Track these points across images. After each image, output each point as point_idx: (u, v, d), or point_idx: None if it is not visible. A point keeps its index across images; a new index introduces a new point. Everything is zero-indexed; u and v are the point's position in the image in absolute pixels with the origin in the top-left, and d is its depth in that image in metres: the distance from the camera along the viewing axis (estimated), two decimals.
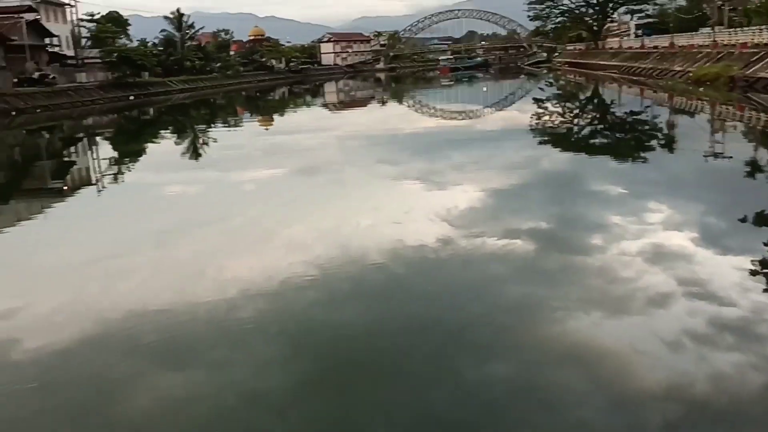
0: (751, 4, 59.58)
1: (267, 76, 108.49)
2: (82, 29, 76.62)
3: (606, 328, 6.99)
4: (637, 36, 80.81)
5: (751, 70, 34.06)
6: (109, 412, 5.93)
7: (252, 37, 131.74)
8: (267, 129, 37.45)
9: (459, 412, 5.53)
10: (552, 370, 6.15)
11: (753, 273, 8.27)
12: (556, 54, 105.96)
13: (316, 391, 6.06)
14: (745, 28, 47.87)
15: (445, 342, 6.84)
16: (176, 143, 31.79)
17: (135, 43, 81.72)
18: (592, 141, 24.22)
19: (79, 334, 7.56)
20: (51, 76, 58.81)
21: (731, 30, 50.34)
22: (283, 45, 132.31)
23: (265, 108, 57.50)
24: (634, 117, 30.21)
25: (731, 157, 17.25)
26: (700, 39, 52.04)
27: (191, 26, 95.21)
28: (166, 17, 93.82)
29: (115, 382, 6.44)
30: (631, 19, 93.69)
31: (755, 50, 37.87)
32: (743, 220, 10.76)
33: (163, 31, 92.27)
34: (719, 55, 41.11)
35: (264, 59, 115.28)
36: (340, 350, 6.89)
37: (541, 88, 58.65)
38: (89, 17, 77.93)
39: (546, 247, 9.95)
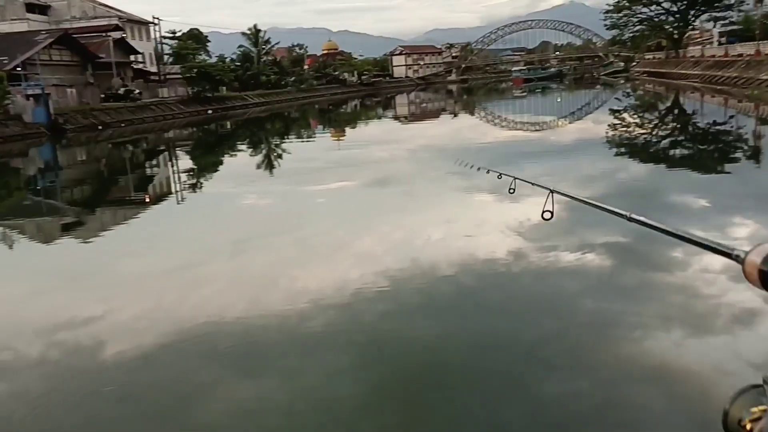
0: None
1: (339, 89, 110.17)
2: (164, 46, 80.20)
3: (687, 347, 6.70)
4: (720, 44, 77.68)
5: None
6: (184, 417, 6.11)
7: (325, 51, 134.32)
8: (339, 141, 37.98)
9: (530, 430, 5.41)
10: (630, 389, 5.93)
11: None
12: (634, 63, 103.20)
13: (385, 403, 6.06)
14: None
15: (517, 358, 6.72)
16: (252, 156, 32.67)
17: (214, 59, 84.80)
18: (671, 152, 23.40)
19: (158, 340, 7.84)
20: (136, 92, 61.69)
21: None
22: (355, 58, 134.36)
23: (338, 121, 58.36)
24: (718, 127, 29.01)
25: None
26: None
27: (267, 41, 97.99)
28: (243, 33, 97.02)
29: (191, 388, 6.64)
30: (714, 27, 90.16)
31: None
32: None
33: (240, 46, 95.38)
34: None
35: (337, 72, 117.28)
36: (409, 363, 6.88)
37: (617, 99, 57.17)
38: (171, 35, 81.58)
39: (624, 261, 9.65)
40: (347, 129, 46.90)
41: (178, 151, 36.24)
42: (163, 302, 9.40)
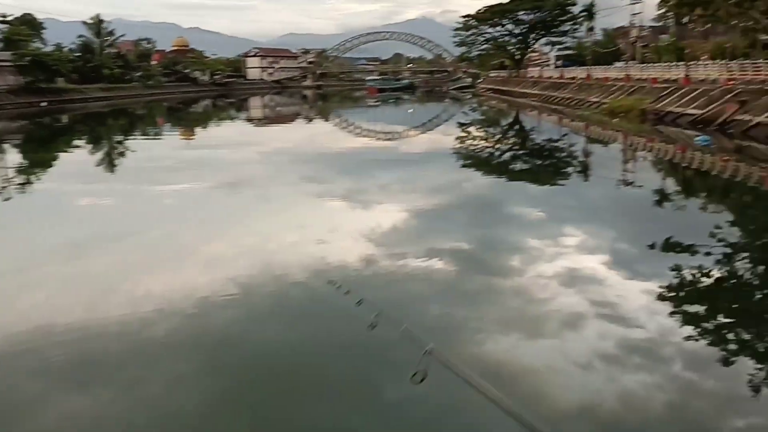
0: (661, 42, 63.30)
1: (190, 88, 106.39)
2: None
3: (521, 348, 7.15)
4: (556, 66, 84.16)
5: (661, 104, 36.02)
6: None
7: (175, 48, 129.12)
8: (189, 141, 36.62)
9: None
10: (467, 392, 6.22)
11: (659, 297, 8.68)
12: (480, 80, 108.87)
13: (232, 411, 5.91)
14: (656, 64, 50.72)
15: (365, 364, 6.81)
16: (91, 153, 30.62)
17: (50, 47, 78.62)
18: (512, 166, 24.94)
19: None
20: None
21: (643, 65, 53.25)
22: (207, 57, 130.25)
23: (187, 120, 56.26)
24: (553, 144, 31.33)
25: (642, 185, 18.12)
26: (615, 72, 54.74)
27: (111, 33, 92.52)
28: (84, 22, 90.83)
29: (17, 404, 6.08)
30: (551, 50, 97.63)
31: (665, 85, 40.21)
32: (652, 246, 11.30)
33: (80, 36, 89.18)
34: (632, 89, 43.29)
35: (187, 71, 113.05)
36: (257, 369, 6.76)
37: (464, 113, 60.00)
38: (1, 18, 74.45)
39: (465, 268, 10.12)
40: (198, 129, 45.31)
41: (5, 145, 33.16)
42: None
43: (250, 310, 8.36)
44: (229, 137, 38.27)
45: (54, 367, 6.74)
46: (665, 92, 37.89)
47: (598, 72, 58.17)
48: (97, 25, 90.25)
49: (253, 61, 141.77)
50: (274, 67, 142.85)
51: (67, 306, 8.53)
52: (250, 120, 57.51)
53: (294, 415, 5.84)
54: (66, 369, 6.71)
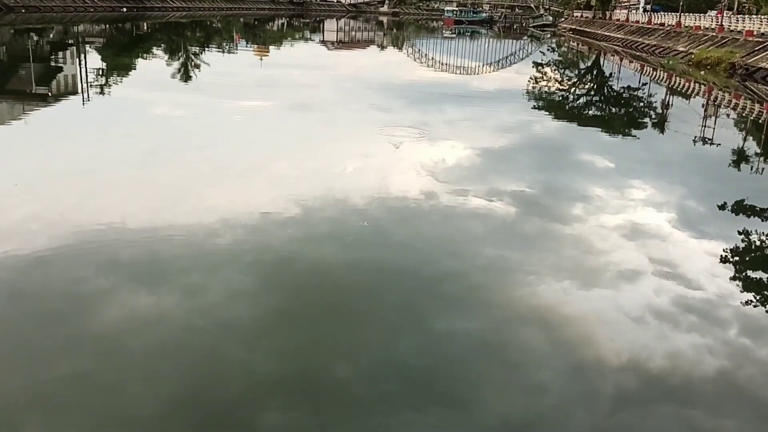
0: None
1: (267, 5, 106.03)
2: None
3: (574, 297, 7.14)
4: (645, 10, 79.77)
5: (753, 59, 33.90)
6: (78, 320, 6.01)
7: None
8: (263, 60, 36.79)
9: (420, 360, 5.67)
10: (517, 331, 6.30)
11: (722, 259, 8.45)
12: (563, 19, 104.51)
13: (284, 325, 6.17)
14: (754, 16, 47.44)
15: (417, 292, 6.96)
16: (168, 63, 31.17)
17: None
18: (585, 111, 24.20)
19: (53, 243, 7.57)
20: None
21: (740, 16, 49.89)
22: None
23: (263, 37, 56.35)
24: (631, 93, 30.13)
25: (719, 144, 17.35)
26: (708, 21, 51.52)
27: None
28: None
29: (87, 293, 6.50)
30: None
31: (760, 39, 37.64)
32: (722, 207, 10.92)
33: None
34: (724, 40, 40.79)
35: None
36: (312, 289, 6.99)
37: (542, 52, 58.01)
38: None
39: (527, 212, 10.04)
40: (273, 47, 45.40)
41: (88, 47, 34.05)
42: (62, 205, 9.03)
43: (309, 230, 8.56)
44: (302, 58, 38.28)
45: (122, 265, 7.13)
46: (759, 47, 35.57)
47: (690, 19, 54.90)
48: None
49: None
50: None
51: (136, 210, 8.93)
52: (323, 42, 57.21)
53: (343, 335, 6.06)
54: (133, 268, 7.09)
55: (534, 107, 23.42)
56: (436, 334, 6.13)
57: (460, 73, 34.69)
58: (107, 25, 51.48)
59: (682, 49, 44.11)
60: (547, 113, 22.38)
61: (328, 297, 6.80)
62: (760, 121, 22.39)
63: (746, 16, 49.28)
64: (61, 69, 26.10)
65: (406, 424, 4.83)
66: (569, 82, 33.93)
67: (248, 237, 8.17)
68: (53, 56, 29.83)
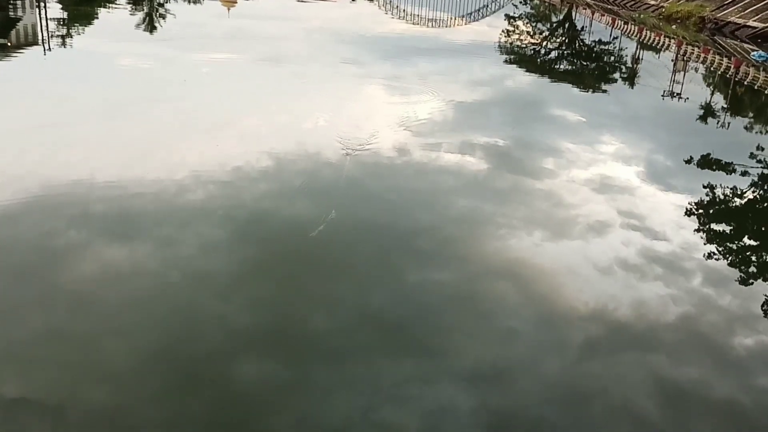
0: None
1: None
2: None
3: (544, 248, 7.28)
4: None
5: (722, 13, 34.09)
6: (48, 274, 5.96)
7: None
8: (230, 10, 35.86)
9: (395, 311, 5.78)
10: (488, 282, 6.43)
11: (688, 212, 8.67)
12: None
13: (257, 279, 6.20)
14: None
15: (391, 244, 7.03)
16: (132, 13, 30.24)
17: None
18: (556, 66, 24.19)
19: (21, 196, 7.44)
20: None
21: None
22: None
23: None
24: (601, 47, 30.15)
25: (687, 98, 17.55)
26: None
27: None
28: None
29: (57, 248, 6.44)
30: None
31: None
32: (689, 161, 11.14)
33: None
34: None
35: None
36: (285, 240, 7.01)
37: (514, 5, 57.47)
38: None
39: (499, 166, 10.12)
40: None
41: None
42: (28, 159, 8.84)
43: (281, 184, 8.54)
44: (271, 9, 37.36)
45: (94, 218, 7.06)
46: (729, 1, 35.75)
47: None
48: None
49: None
50: None
51: (105, 164, 8.78)
52: None
53: (317, 288, 6.12)
54: (105, 221, 7.03)
55: (506, 61, 23.33)
56: (411, 286, 6.23)
57: (432, 26, 34.30)
58: None
59: (653, 2, 44.09)
60: (519, 67, 22.32)
61: (302, 250, 6.83)
62: (728, 76, 22.66)
63: None
64: (20, 19, 25.14)
65: (381, 372, 4.95)
66: (541, 36, 33.82)
67: (220, 191, 8.12)
68: (11, 5, 28.69)
